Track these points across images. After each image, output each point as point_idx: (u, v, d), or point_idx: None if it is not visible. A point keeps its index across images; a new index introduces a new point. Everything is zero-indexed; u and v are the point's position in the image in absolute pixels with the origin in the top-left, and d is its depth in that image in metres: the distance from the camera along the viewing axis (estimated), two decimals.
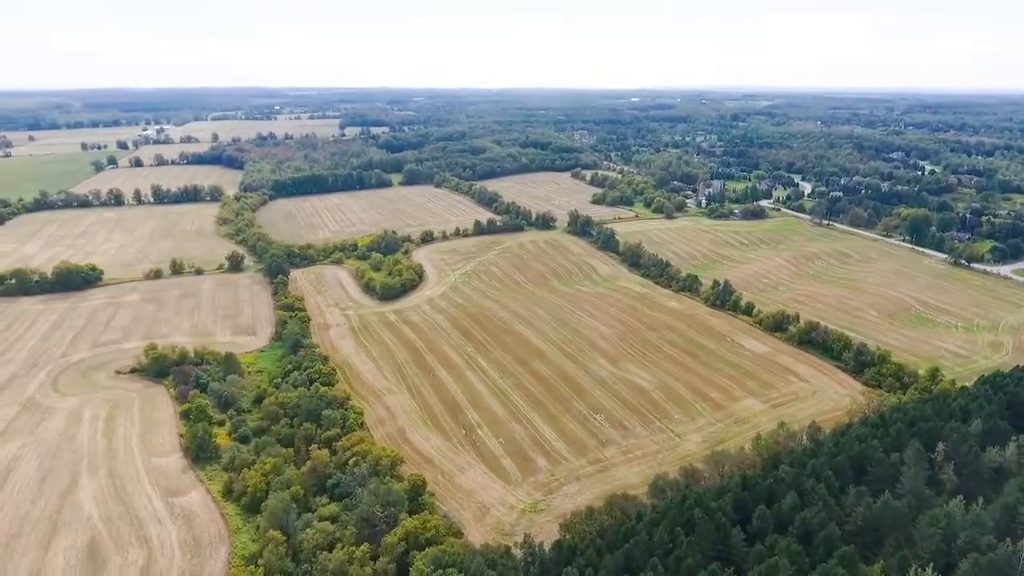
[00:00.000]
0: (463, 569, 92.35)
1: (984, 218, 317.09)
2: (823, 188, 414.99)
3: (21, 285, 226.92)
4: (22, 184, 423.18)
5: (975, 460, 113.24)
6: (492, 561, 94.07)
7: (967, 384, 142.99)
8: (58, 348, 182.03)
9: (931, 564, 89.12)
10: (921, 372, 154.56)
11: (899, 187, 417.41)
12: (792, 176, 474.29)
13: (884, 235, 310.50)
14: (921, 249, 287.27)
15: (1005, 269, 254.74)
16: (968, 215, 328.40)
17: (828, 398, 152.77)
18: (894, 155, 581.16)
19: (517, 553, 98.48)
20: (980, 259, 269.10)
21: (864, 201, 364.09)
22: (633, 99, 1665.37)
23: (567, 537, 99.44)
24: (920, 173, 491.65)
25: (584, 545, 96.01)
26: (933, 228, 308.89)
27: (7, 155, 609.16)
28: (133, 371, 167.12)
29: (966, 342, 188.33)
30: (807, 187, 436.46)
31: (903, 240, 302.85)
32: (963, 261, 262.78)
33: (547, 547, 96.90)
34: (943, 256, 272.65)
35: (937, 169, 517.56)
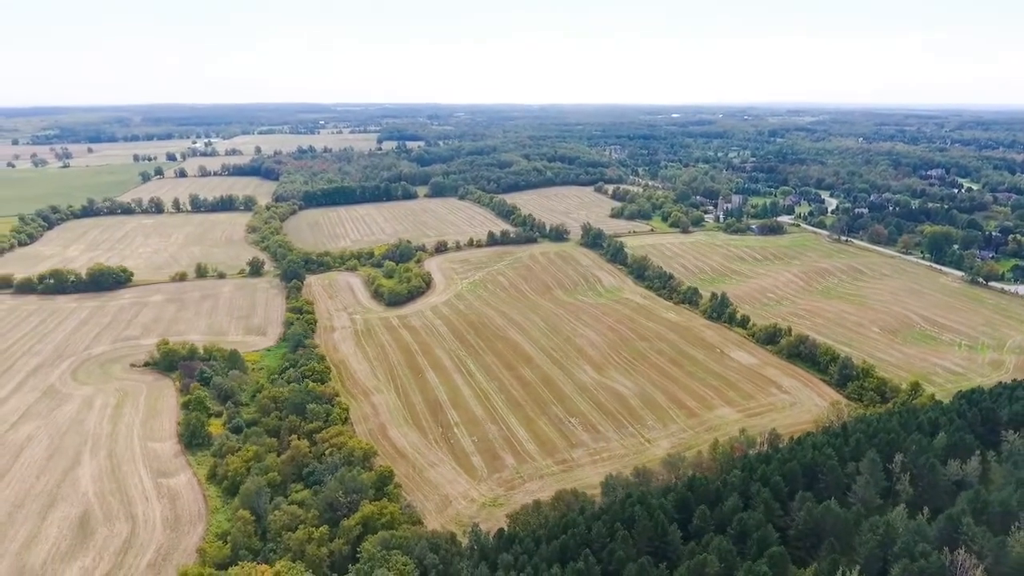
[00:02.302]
0: (408, 552, 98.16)
1: (1012, 236, 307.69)
2: (848, 204, 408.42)
3: (59, 284, 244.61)
4: (75, 192, 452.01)
5: (931, 472, 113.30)
6: (436, 546, 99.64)
7: (942, 400, 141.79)
8: (83, 342, 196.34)
9: (858, 567, 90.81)
10: (903, 387, 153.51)
11: (930, 204, 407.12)
12: (820, 192, 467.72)
13: (903, 252, 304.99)
14: (939, 267, 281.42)
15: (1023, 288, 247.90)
16: (995, 233, 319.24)
17: (806, 410, 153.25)
18: (933, 172, 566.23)
19: (463, 540, 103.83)
20: (1000, 277, 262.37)
21: (887, 218, 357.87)
22: (674, 115, 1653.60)
23: (510, 527, 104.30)
24: (957, 191, 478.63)
25: (524, 535, 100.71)
26: (956, 246, 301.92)
27: (66, 165, 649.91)
28: (146, 365, 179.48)
29: (965, 360, 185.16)
30: (834, 203, 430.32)
31: (923, 257, 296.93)
32: (980, 279, 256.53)
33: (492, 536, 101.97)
34: (960, 274, 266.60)
35: (975, 187, 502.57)
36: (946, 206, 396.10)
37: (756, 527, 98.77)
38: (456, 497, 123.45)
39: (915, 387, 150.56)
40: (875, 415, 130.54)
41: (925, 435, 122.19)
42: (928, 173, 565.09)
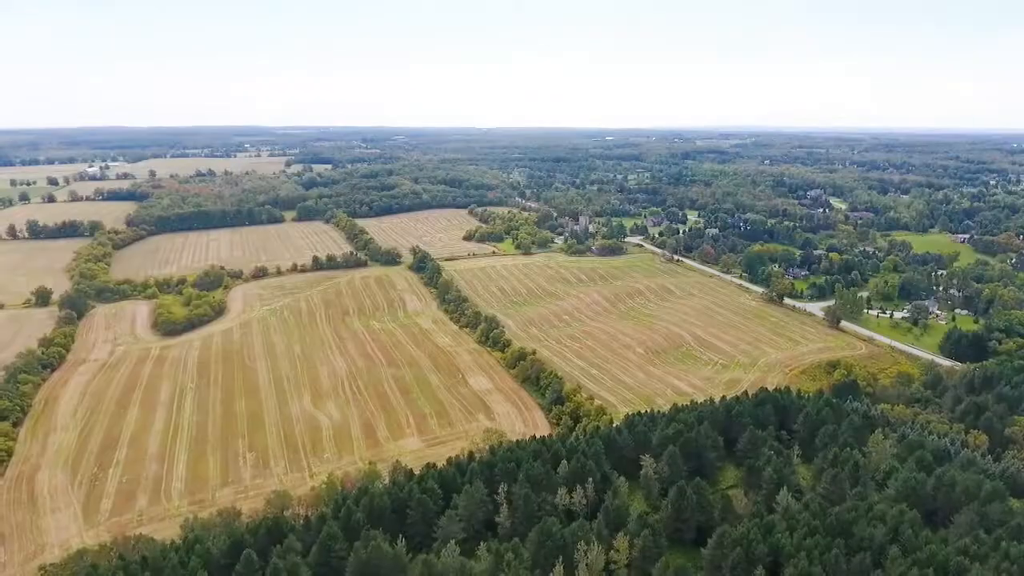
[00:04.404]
0: None
1: (826, 256, 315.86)
2: (701, 225, 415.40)
3: None
4: None
5: (526, 503, 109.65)
6: None
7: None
8: None
9: None
10: (592, 410, 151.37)
11: (786, 222, 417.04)
12: (688, 213, 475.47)
13: (724, 271, 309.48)
14: (749, 285, 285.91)
15: (814, 306, 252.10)
16: (816, 252, 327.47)
17: (493, 438, 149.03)
18: (811, 192, 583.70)
19: None
20: (799, 295, 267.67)
21: (730, 238, 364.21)
22: (608, 138, 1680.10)
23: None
24: (822, 210, 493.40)
25: None
26: (775, 265, 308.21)
27: None
28: None
29: (705, 380, 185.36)
30: (700, 223, 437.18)
31: (740, 276, 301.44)
32: (775, 296, 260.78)
33: None
34: (761, 291, 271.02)
35: (843, 206, 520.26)
36: (794, 224, 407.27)
37: (290, 570, 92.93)
38: (51, 546, 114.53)
39: (600, 411, 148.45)
40: (509, 444, 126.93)
41: (545, 463, 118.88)
42: (807, 193, 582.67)
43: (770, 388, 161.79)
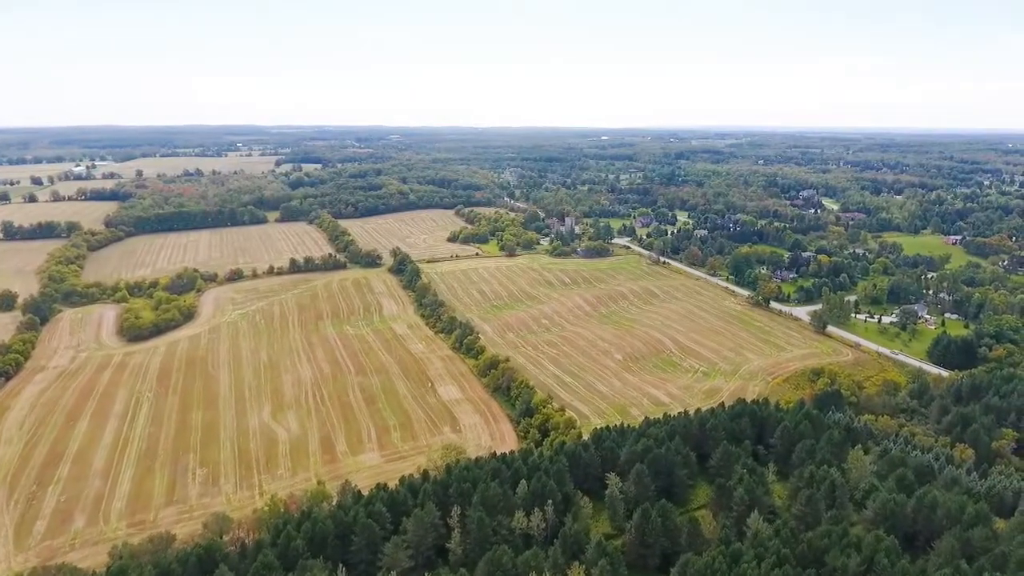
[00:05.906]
0: None
1: (814, 258, 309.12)
2: (691, 226, 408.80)
3: None
4: None
5: (479, 527, 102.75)
6: None
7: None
8: None
9: None
10: (561, 423, 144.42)
11: (775, 224, 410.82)
12: (677, 214, 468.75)
13: (710, 274, 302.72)
14: (734, 288, 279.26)
15: (801, 310, 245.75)
16: (804, 254, 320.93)
17: (455, 453, 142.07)
18: (804, 193, 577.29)
19: None
20: (787, 299, 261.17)
21: (718, 239, 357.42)
22: (603, 138, 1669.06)
23: None
24: (813, 210, 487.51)
25: None
26: (763, 267, 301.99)
27: None
28: None
29: (684, 389, 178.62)
30: (689, 224, 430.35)
31: (726, 279, 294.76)
32: (761, 300, 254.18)
33: None
34: (747, 294, 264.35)
35: (836, 206, 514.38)
36: (784, 226, 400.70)
37: None
38: None
39: (569, 423, 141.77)
40: (467, 462, 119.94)
41: (503, 483, 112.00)
42: (800, 194, 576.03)
43: (751, 397, 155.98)
